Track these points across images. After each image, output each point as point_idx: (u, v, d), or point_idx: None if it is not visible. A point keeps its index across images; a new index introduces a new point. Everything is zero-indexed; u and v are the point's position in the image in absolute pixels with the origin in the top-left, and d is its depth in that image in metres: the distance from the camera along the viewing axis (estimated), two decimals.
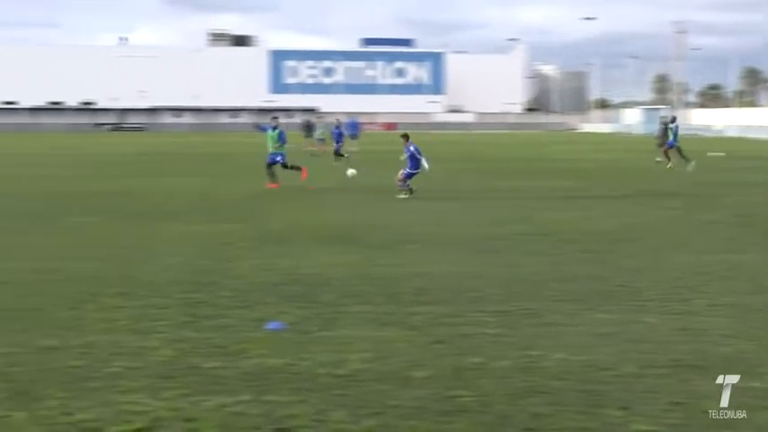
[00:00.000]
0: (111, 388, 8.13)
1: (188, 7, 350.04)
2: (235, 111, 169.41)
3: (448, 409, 7.63)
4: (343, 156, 47.73)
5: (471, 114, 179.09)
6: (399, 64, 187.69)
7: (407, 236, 18.26)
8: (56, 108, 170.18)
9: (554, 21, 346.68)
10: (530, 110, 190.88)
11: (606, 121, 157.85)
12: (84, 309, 11.37)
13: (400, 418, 7.44)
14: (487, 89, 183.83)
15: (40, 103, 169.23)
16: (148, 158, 53.67)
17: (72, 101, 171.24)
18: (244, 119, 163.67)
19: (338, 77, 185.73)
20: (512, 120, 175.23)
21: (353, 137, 64.79)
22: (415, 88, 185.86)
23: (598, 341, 9.80)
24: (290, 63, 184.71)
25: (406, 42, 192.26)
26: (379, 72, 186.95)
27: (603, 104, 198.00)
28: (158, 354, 9.26)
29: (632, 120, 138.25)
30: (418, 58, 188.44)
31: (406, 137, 28.31)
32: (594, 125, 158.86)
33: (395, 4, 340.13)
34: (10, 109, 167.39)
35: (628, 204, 25.09)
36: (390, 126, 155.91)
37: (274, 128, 31.05)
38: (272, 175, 30.50)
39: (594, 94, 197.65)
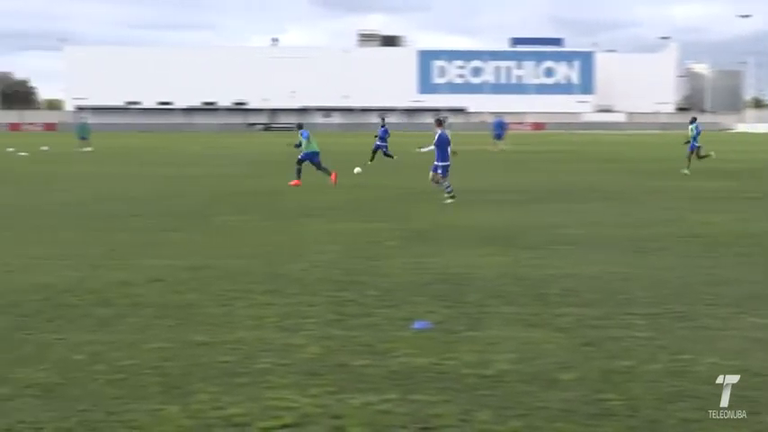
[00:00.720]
0: (259, 384, 8.25)
1: (338, 8, 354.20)
2: (384, 110, 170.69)
3: (595, 413, 7.52)
4: (390, 156, 46.58)
5: (621, 114, 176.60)
6: (548, 63, 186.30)
7: (555, 237, 18.09)
8: (209, 108, 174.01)
9: (707, 18, 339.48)
10: (682, 109, 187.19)
11: (761, 120, 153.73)
12: (235, 305, 11.57)
13: (546, 420, 7.36)
14: (638, 88, 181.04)
15: (195, 103, 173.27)
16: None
17: (225, 101, 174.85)
18: (393, 119, 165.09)
19: (487, 77, 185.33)
20: (663, 120, 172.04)
21: (498, 137, 64.42)
22: (563, 88, 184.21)
23: (752, 346, 9.54)
24: (439, 63, 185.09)
25: (555, 42, 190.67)
26: (528, 72, 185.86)
27: (759, 104, 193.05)
28: (306, 351, 9.35)
29: None
30: (567, 57, 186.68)
31: (439, 122, 26.16)
32: (749, 125, 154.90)
33: (545, 3, 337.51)
34: (166, 109, 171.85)
35: None
36: (539, 126, 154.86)
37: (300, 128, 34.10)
38: (324, 169, 32.60)
39: (749, 93, 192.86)
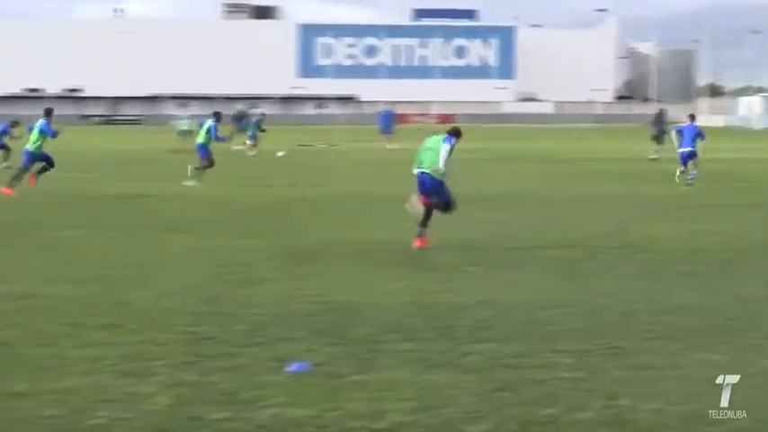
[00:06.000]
0: None
1: None
2: (256, 99, 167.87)
3: None
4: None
5: (548, 104, 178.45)
6: (459, 41, 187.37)
7: (468, 255, 18.13)
8: (33, 96, 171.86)
9: None
10: (621, 98, 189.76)
11: (718, 111, 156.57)
12: (63, 344, 11.37)
13: None
14: (569, 73, 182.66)
15: (14, 90, 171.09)
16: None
17: (53, 88, 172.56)
18: (267, 109, 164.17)
19: (383, 58, 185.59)
20: (599, 110, 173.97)
21: (386, 131, 63.17)
22: (478, 71, 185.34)
23: (704, 388, 9.65)
24: (324, 40, 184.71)
25: (468, 14, 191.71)
26: (435, 52, 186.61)
27: (715, 91, 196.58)
28: (153, 401, 9.24)
29: (751, 110, 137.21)
30: (483, 34, 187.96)
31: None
32: (704, 117, 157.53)
33: None
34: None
35: (744, 217, 24.80)
36: (445, 118, 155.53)
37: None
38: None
39: (704, 78, 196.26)
